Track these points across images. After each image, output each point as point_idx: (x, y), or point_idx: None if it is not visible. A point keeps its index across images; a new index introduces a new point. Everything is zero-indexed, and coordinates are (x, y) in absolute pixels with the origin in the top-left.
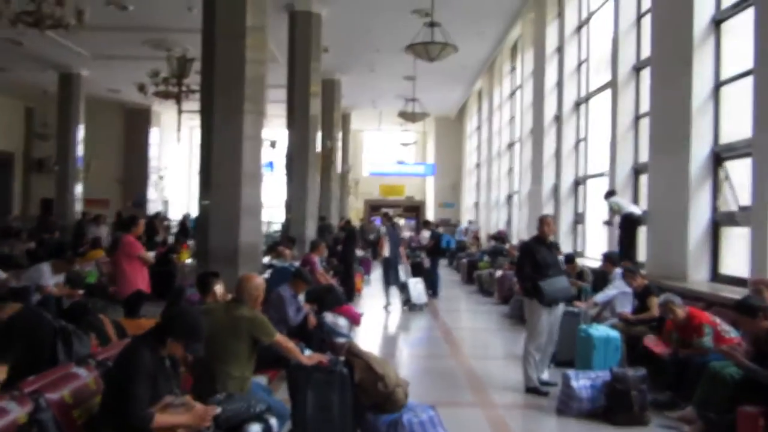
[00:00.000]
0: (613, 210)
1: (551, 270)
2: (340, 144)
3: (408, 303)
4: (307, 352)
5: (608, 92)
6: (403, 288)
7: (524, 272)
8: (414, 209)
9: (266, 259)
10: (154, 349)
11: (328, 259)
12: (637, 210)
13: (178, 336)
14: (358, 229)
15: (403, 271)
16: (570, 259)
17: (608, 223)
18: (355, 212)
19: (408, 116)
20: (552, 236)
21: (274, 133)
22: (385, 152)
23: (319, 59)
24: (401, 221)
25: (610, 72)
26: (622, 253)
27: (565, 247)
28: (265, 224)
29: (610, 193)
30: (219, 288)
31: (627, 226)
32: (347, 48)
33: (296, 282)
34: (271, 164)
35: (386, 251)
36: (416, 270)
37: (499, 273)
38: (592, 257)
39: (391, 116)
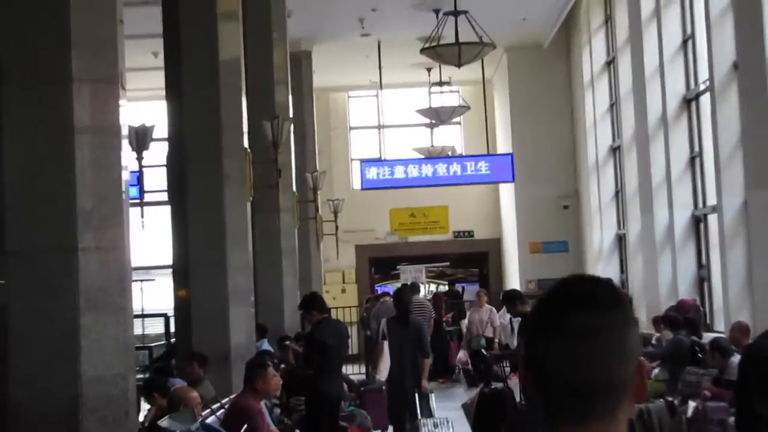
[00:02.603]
0: None
1: None
2: (293, 127)
3: None
4: None
5: None
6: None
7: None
8: (475, 262)
9: (143, 413)
10: None
11: (288, 397)
12: None
13: None
14: (361, 318)
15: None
16: None
17: None
18: (338, 278)
19: (443, 53)
20: None
21: (140, 113)
22: (397, 138)
23: None
24: (440, 288)
25: None
26: None
27: None
28: (137, 328)
29: None
30: None
31: None
32: None
33: None
34: (137, 184)
35: (384, 366)
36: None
37: (691, 407)
38: None
39: (404, 53)
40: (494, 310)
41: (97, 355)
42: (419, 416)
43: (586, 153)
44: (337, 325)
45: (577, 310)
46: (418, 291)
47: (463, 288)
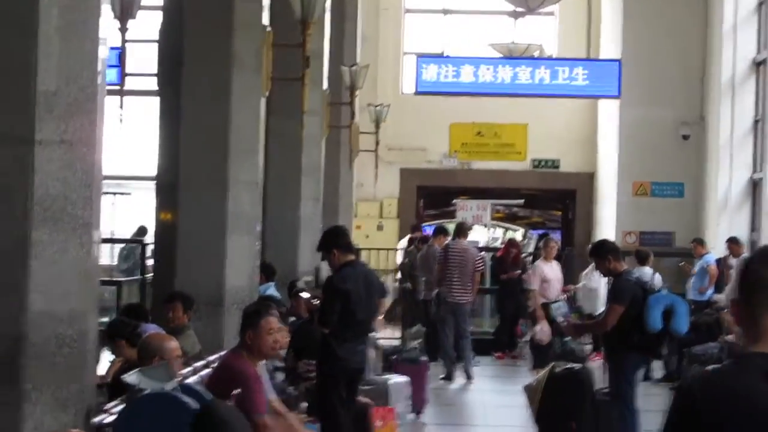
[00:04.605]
0: None
1: None
2: (330, 2)
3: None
4: None
5: None
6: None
7: None
8: (558, 202)
9: (106, 365)
10: None
11: (296, 360)
12: None
13: None
14: (401, 265)
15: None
16: None
17: None
18: (374, 210)
19: None
20: None
21: None
22: (467, 29)
23: None
24: (516, 234)
25: None
26: None
27: None
28: (105, 256)
29: None
30: None
31: None
32: None
33: None
34: (117, 65)
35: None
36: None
37: None
38: None
39: None
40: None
41: (49, 283)
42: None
43: (719, 67)
44: (366, 272)
45: None
46: (465, 234)
47: (539, 236)
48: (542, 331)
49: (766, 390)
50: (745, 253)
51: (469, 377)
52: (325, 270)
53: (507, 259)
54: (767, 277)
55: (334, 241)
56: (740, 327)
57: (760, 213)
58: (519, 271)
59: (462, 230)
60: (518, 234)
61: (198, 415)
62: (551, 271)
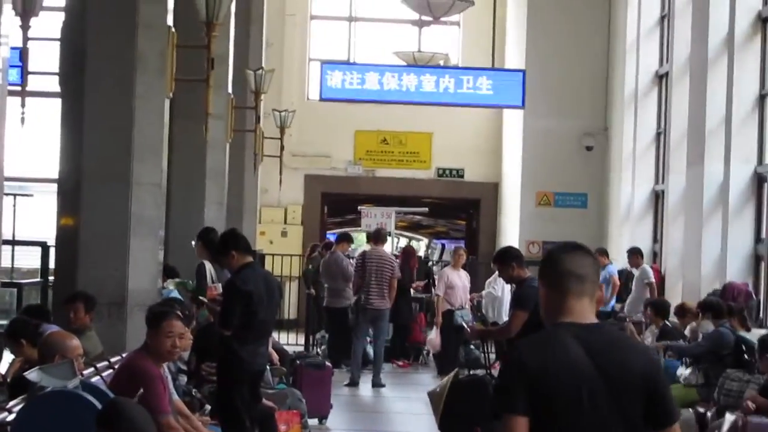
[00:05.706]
0: None
1: None
2: (235, 4)
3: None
4: None
5: None
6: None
7: None
8: (462, 212)
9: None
10: None
11: (199, 363)
12: None
13: None
14: (303, 272)
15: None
16: None
17: None
18: (278, 216)
19: None
20: None
21: None
22: (372, 36)
23: None
24: (419, 243)
25: None
26: None
27: None
28: (4, 258)
29: None
30: None
31: None
32: None
33: None
34: (19, 65)
35: None
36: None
37: (728, 421)
38: None
39: None
40: (467, 274)
41: None
42: None
43: (623, 79)
44: (264, 273)
45: (574, 245)
46: (383, 240)
47: (443, 246)
48: (430, 339)
49: (574, 343)
50: (644, 264)
51: (380, 385)
52: (209, 271)
53: (405, 267)
54: (572, 269)
55: (234, 243)
56: (546, 307)
57: (662, 224)
58: (426, 281)
59: (379, 236)
60: (422, 243)
61: (102, 413)
62: (458, 278)
